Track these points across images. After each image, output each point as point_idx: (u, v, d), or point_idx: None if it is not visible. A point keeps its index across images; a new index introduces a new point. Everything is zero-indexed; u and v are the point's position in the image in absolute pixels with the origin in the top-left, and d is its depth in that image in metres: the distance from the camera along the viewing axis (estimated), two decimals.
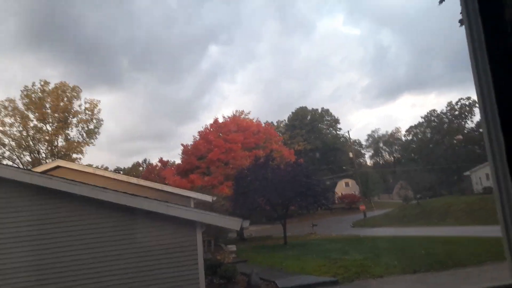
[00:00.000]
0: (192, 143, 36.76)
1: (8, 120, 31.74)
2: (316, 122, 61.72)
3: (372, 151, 73.52)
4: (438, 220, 25.93)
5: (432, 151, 54.96)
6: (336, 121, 64.53)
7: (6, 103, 31.62)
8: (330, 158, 56.94)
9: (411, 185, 49.16)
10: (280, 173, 22.11)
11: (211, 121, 38.52)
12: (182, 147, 36.98)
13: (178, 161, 40.68)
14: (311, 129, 59.36)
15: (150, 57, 37.57)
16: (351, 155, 47.99)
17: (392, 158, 72.01)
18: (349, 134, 63.25)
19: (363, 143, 73.48)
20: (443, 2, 6.80)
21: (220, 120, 37.90)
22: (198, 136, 36.85)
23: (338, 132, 63.65)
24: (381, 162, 72.40)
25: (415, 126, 62.41)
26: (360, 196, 43.59)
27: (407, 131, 64.93)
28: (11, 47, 31.73)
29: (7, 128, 31.73)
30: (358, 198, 43.44)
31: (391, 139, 71.67)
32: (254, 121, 39.51)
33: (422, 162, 55.30)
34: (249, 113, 42.26)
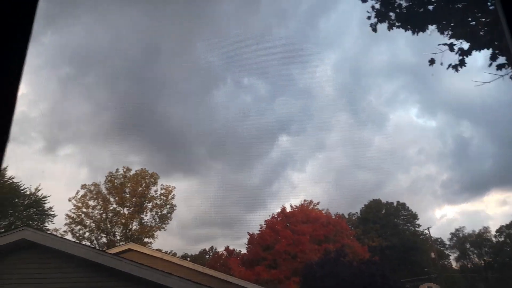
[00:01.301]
0: (258, 232, 36.00)
1: (91, 202, 34.34)
2: (392, 216, 57.79)
3: (458, 252, 65.63)
4: None
5: None
6: (414, 216, 59.87)
7: (92, 187, 34.54)
8: (410, 257, 51.65)
9: None
10: (353, 271, 20.26)
11: (279, 210, 37.89)
12: (248, 236, 36.31)
13: (244, 250, 39.72)
14: (386, 224, 55.45)
15: (224, 146, 39.64)
16: (433, 255, 43.19)
17: (483, 262, 63.33)
18: (429, 232, 57.73)
19: (447, 242, 66.21)
20: None
21: (288, 209, 37.15)
22: (264, 225, 36.14)
23: (416, 228, 58.59)
24: (469, 266, 63.90)
25: (508, 226, 55.47)
26: None
27: (498, 231, 57.78)
28: (103, 136, 35.78)
29: (90, 210, 34.17)
30: None
31: (479, 240, 63.83)
32: (323, 212, 38.09)
33: None
34: (318, 203, 41.06)
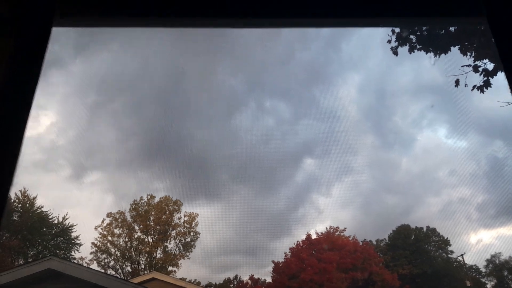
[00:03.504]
0: (283, 260, 35.23)
1: (117, 231, 34.66)
2: (421, 242, 55.60)
3: (495, 280, 62.06)
4: None
5: None
6: (446, 242, 57.37)
7: (117, 215, 34.95)
8: (443, 285, 49.19)
9: None
10: None
11: (304, 237, 37.12)
12: (273, 265, 35.56)
13: (268, 279, 38.84)
14: (416, 250, 53.34)
15: (247, 171, 39.66)
16: (468, 283, 41.00)
17: None
18: (463, 259, 55.06)
19: (482, 270, 62.73)
20: None
21: (313, 237, 36.36)
22: (289, 253, 35.38)
23: (449, 255, 55.96)
24: None
25: None
26: None
27: None
28: (128, 163, 36.47)
29: (115, 238, 34.46)
30: None
31: None
32: (350, 238, 37.07)
33: None
34: (344, 230, 40.07)
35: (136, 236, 35.03)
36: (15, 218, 30.57)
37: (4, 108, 0.93)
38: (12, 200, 30.00)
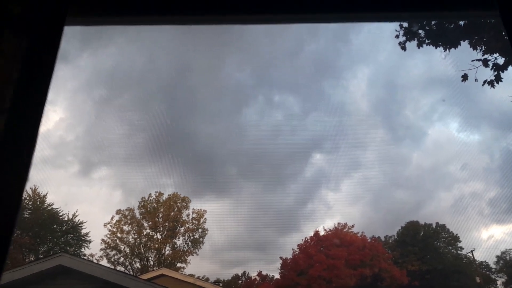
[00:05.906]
0: (291, 256, 35.28)
1: (126, 228, 34.97)
2: (430, 239, 55.22)
3: (506, 277, 61.40)
4: None
5: None
6: (456, 238, 56.87)
7: (126, 212, 35.24)
8: (452, 282, 48.86)
9: None
10: None
11: (312, 233, 37.08)
12: (281, 261, 35.62)
13: (277, 275, 38.95)
14: (425, 246, 52.99)
15: (255, 166, 39.45)
16: (478, 280, 40.69)
17: None
18: (473, 255, 54.54)
19: (493, 266, 62.07)
20: None
21: (321, 233, 36.31)
22: (297, 249, 35.39)
23: (459, 251, 55.47)
24: None
25: None
26: None
27: None
28: (137, 158, 36.48)
29: (124, 235, 34.78)
30: None
31: None
32: (358, 235, 36.97)
33: None
34: (352, 226, 39.97)
35: (145, 233, 35.33)
36: (26, 215, 30.97)
37: (18, 106, 0.95)
38: (23, 198, 30.35)
